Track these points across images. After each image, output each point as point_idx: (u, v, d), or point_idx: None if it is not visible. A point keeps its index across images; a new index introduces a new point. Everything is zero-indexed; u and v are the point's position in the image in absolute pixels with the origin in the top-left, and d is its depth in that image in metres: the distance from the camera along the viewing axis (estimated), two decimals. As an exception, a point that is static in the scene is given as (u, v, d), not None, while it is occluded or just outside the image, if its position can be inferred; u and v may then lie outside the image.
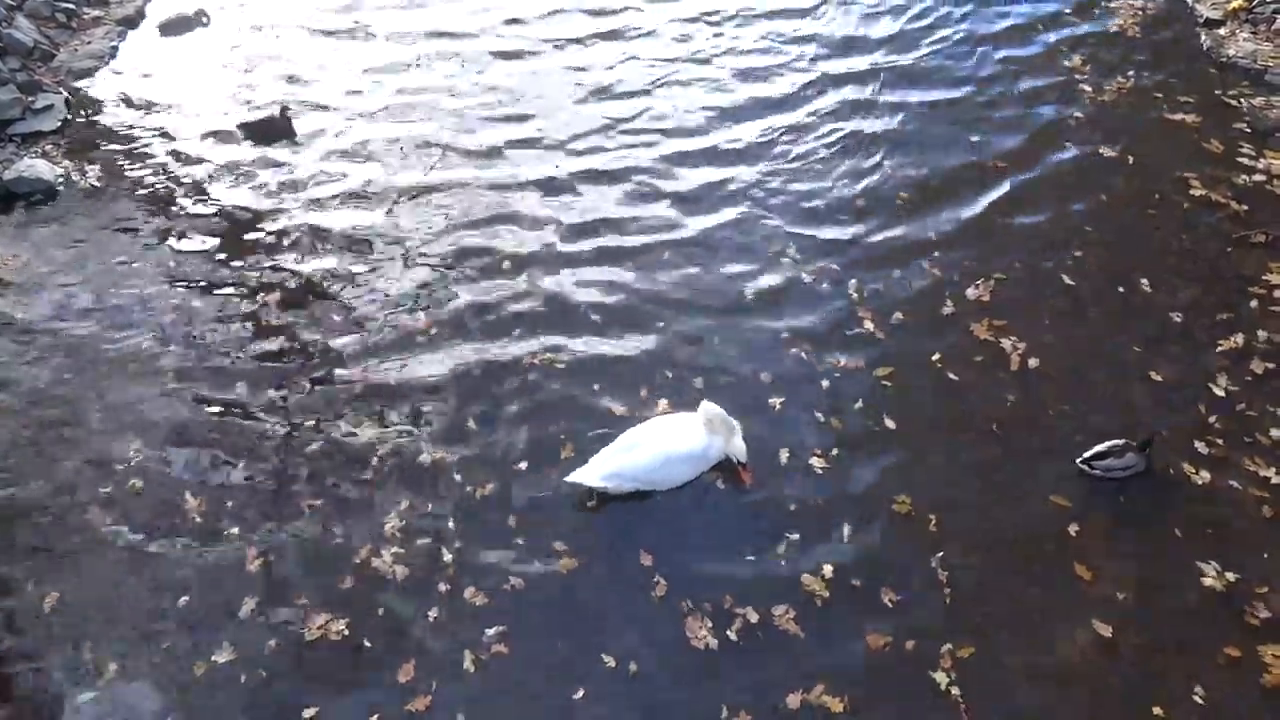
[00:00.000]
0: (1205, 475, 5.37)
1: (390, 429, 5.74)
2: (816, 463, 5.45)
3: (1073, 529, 5.12)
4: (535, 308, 6.56)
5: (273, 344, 6.30)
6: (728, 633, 4.68)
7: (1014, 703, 4.41)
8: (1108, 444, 5.38)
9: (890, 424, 5.69)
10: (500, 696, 4.47)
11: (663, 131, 8.21)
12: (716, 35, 9.50)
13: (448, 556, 5.05)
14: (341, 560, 5.04)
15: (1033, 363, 6.04)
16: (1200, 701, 4.39)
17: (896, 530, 5.14)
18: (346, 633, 4.71)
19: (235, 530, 5.17)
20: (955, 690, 4.44)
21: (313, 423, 5.78)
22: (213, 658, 4.62)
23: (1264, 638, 4.62)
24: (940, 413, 5.78)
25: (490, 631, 4.70)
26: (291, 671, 4.57)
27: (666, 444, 5.22)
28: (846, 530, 5.12)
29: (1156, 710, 4.36)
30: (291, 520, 5.24)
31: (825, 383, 5.96)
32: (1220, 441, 5.54)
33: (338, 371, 6.11)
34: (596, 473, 5.20)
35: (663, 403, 5.82)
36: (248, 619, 4.79)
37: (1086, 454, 5.39)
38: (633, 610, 4.79)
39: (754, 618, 4.73)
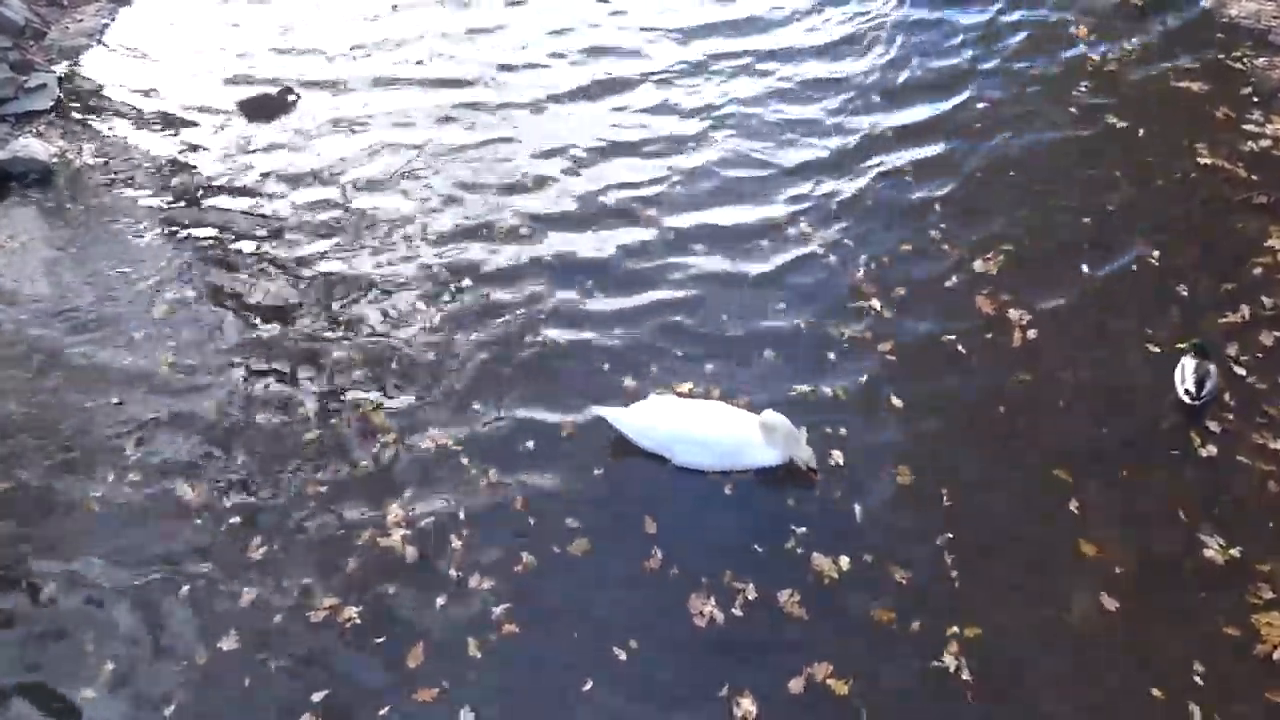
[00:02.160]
0: (1211, 449, 5.35)
1: (392, 415, 5.72)
2: (826, 443, 5.42)
3: (1073, 505, 5.10)
4: (538, 279, 6.57)
5: (270, 329, 6.28)
6: (732, 610, 4.69)
7: (1019, 684, 4.43)
8: (1191, 371, 5.47)
9: (897, 402, 5.67)
10: (509, 682, 4.49)
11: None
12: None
13: (456, 542, 5.05)
14: (345, 546, 5.05)
15: (1039, 335, 6.00)
16: (1199, 680, 4.39)
17: (905, 509, 5.14)
18: (355, 619, 4.72)
19: (236, 520, 5.17)
20: (964, 674, 4.44)
21: (313, 409, 5.76)
22: (218, 645, 4.64)
23: (1264, 610, 4.63)
24: (947, 388, 5.76)
25: (498, 611, 4.71)
26: (298, 657, 4.59)
27: (691, 425, 5.21)
28: (857, 509, 5.11)
29: (1156, 692, 4.37)
30: (294, 509, 5.23)
31: (832, 355, 5.94)
32: (1229, 415, 5.52)
33: (336, 355, 6.07)
34: (624, 418, 5.29)
35: (684, 385, 5.78)
36: (252, 606, 4.80)
37: (1188, 388, 5.45)
38: (638, 586, 4.82)
39: (753, 595, 4.73)
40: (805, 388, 5.76)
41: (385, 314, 6.37)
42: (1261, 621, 4.59)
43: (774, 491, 5.22)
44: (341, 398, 5.83)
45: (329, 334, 6.25)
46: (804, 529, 5.03)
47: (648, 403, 5.41)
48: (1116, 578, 4.79)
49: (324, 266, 6.73)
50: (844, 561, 4.88)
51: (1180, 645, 4.53)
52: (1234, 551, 4.86)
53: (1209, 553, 4.88)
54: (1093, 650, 4.53)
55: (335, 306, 6.43)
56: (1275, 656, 4.46)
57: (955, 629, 4.60)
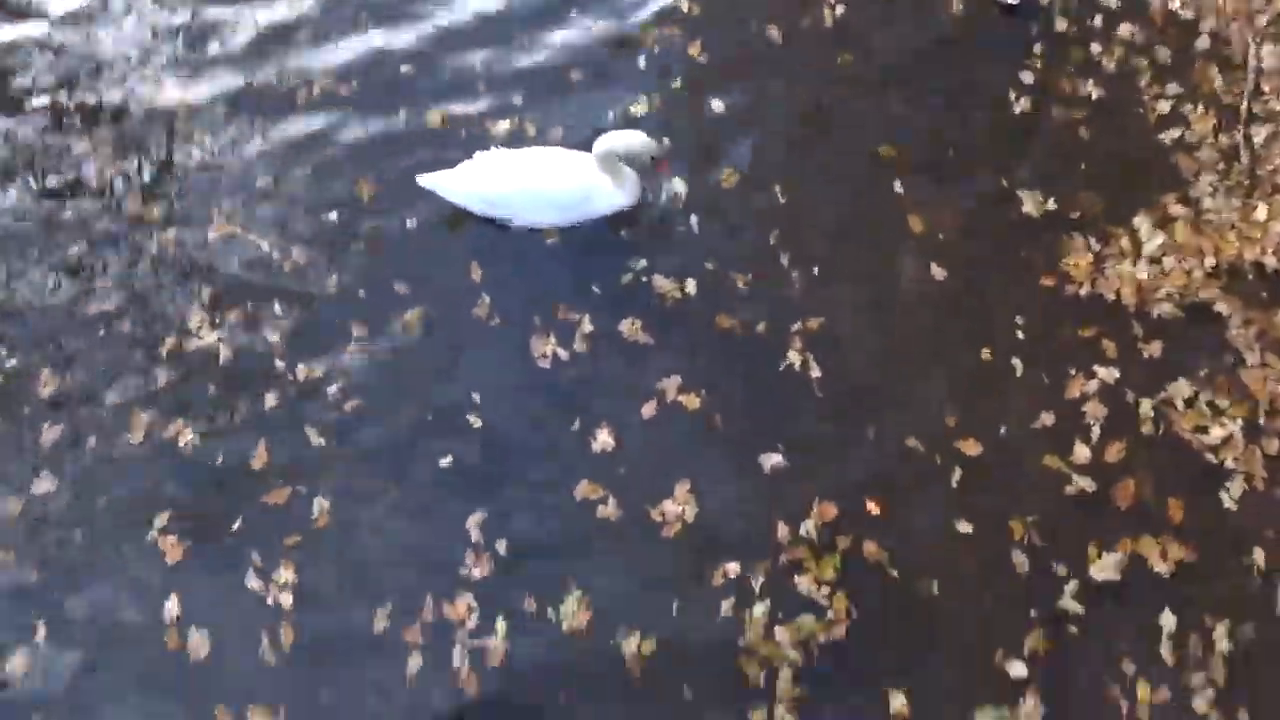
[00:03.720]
0: (1025, 103, 5.37)
1: (158, 202, 5.08)
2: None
3: (898, 182, 5.08)
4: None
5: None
6: (574, 346, 4.58)
7: (862, 368, 4.54)
8: None
9: (718, 105, 5.38)
10: (358, 463, 4.31)
11: None
12: None
13: (273, 334, 4.65)
14: (150, 360, 4.59)
15: (848, 10, 5.74)
16: (1021, 335, 4.60)
17: (739, 214, 4.99)
18: (180, 434, 4.37)
19: (13, 363, 4.58)
20: (812, 369, 4.50)
21: (70, 218, 5.04)
22: (31, 490, 4.25)
23: (1074, 253, 4.85)
24: (766, 80, 5.49)
25: (333, 391, 4.47)
26: (126, 485, 4.26)
27: (531, 180, 4.75)
28: (693, 223, 4.94)
29: (985, 353, 4.55)
30: (77, 334, 4.67)
31: (642, 64, 5.56)
32: (1038, 64, 5.51)
33: (78, 150, 5.25)
34: (451, 183, 4.80)
35: (500, 125, 5.30)
36: (56, 446, 4.36)
37: None
38: (476, 341, 4.63)
39: (590, 328, 4.62)
40: (620, 105, 5.39)
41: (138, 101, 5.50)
42: (1071, 264, 4.81)
43: (603, 231, 4.95)
44: (97, 195, 5.10)
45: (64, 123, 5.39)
46: (640, 259, 4.83)
47: (475, 162, 4.85)
48: (943, 246, 4.87)
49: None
50: (685, 279, 4.77)
51: (1003, 303, 4.71)
52: (1050, 204, 4.99)
53: (1026, 207, 4.99)
54: (926, 322, 4.67)
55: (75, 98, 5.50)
56: (1082, 294, 4.72)
57: (798, 325, 4.64)
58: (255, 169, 5.18)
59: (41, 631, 3.92)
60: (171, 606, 3.95)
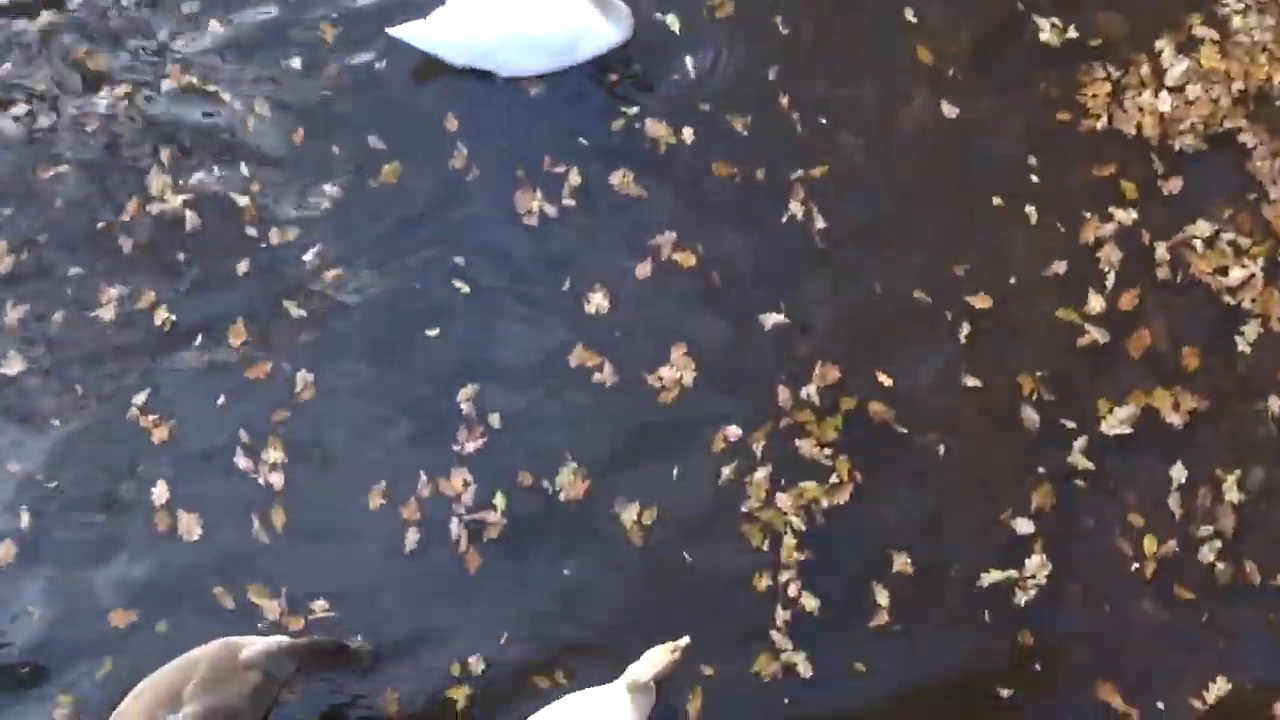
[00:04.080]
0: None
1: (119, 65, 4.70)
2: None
3: (910, 11, 4.65)
4: None
5: None
6: (563, 202, 4.32)
7: (866, 217, 4.32)
8: None
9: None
10: (340, 334, 4.16)
11: None
12: None
13: (242, 199, 4.35)
14: (112, 231, 4.34)
15: None
16: (1035, 178, 4.33)
17: (737, 49, 4.60)
18: (149, 308, 4.18)
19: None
20: (816, 220, 4.27)
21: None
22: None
23: (1091, 84, 4.49)
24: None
25: (310, 258, 4.25)
26: (99, 363, 4.14)
27: (518, 23, 4.32)
28: (688, 63, 4.55)
29: (997, 200, 4.30)
30: (34, 208, 4.41)
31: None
32: None
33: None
34: (427, 33, 4.34)
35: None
36: (21, 324, 4.21)
37: None
38: (456, 198, 4.38)
39: (578, 180, 4.34)
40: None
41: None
42: (1088, 95, 4.47)
43: (590, 74, 4.55)
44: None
45: None
46: (631, 104, 4.48)
47: (450, 8, 4.36)
48: (954, 80, 4.53)
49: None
50: (679, 124, 4.42)
51: (1016, 142, 4.42)
52: (1070, 32, 4.60)
53: (1044, 35, 4.60)
54: (935, 166, 4.39)
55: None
56: (1099, 128, 4.42)
57: (801, 172, 4.35)
58: (209, 18, 4.74)
59: (25, 520, 3.88)
60: (160, 491, 3.88)
